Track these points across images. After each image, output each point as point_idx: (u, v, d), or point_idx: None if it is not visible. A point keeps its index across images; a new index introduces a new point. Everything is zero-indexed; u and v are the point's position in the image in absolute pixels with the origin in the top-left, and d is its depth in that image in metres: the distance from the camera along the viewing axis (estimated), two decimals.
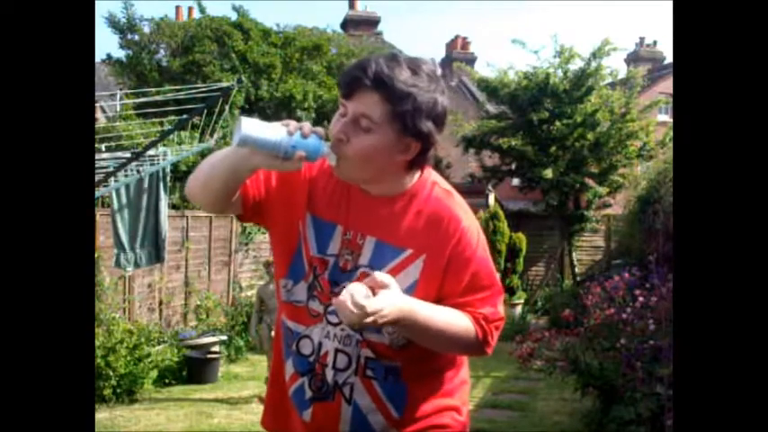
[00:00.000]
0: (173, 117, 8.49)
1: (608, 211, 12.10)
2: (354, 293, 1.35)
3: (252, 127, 1.37)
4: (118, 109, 11.04)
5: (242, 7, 12.73)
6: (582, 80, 11.13)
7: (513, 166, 12.06)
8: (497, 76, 11.75)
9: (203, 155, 5.75)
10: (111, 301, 6.42)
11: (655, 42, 25.58)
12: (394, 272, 1.47)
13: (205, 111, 5.51)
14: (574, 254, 11.85)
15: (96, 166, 5.33)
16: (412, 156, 1.47)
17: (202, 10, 12.81)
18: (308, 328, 1.55)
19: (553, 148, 11.09)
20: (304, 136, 1.39)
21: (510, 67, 11.81)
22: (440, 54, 24.55)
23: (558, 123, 10.86)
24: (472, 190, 11.63)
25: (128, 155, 5.74)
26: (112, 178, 5.85)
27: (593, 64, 11.21)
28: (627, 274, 4.95)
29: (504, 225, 10.08)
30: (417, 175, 1.53)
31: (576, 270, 11.72)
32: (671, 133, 10.74)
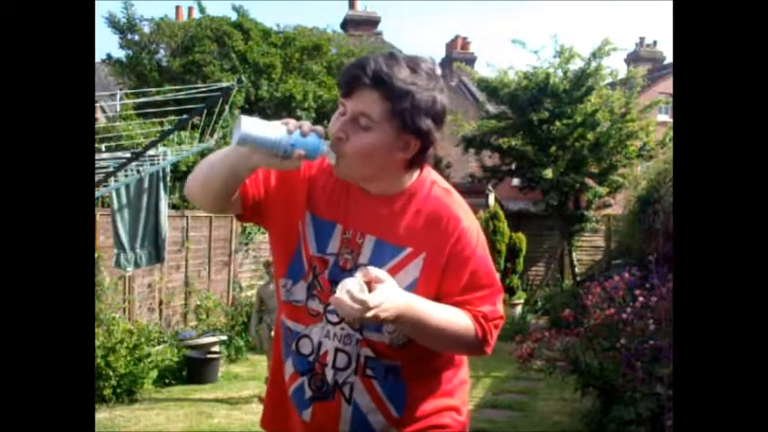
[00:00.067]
0: (173, 117, 8.49)
1: (608, 211, 12.10)
2: (351, 289, 1.35)
3: (251, 125, 1.37)
4: (118, 109, 11.04)
5: (242, 7, 12.74)
6: (582, 80, 11.14)
7: (513, 166, 12.07)
8: (497, 76, 11.76)
9: (203, 155, 5.74)
10: (111, 301, 6.42)
11: (655, 42, 25.59)
12: (394, 270, 1.47)
13: (205, 111, 5.51)
14: (574, 254, 11.85)
15: (96, 166, 5.33)
16: (411, 154, 1.47)
17: (202, 10, 12.82)
18: (307, 327, 1.55)
19: (553, 148, 11.09)
20: (303, 134, 1.39)
21: (510, 67, 11.84)
22: (440, 54, 24.58)
23: (558, 123, 10.87)
24: (472, 190, 11.63)
25: (128, 155, 5.74)
26: (112, 178, 5.85)
27: (593, 64, 11.22)
28: (627, 274, 4.95)
29: (504, 225, 10.08)
30: (417, 173, 1.54)
31: (576, 270, 11.73)
32: (671, 133, 10.74)
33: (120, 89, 12.56)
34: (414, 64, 1.43)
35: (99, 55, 12.87)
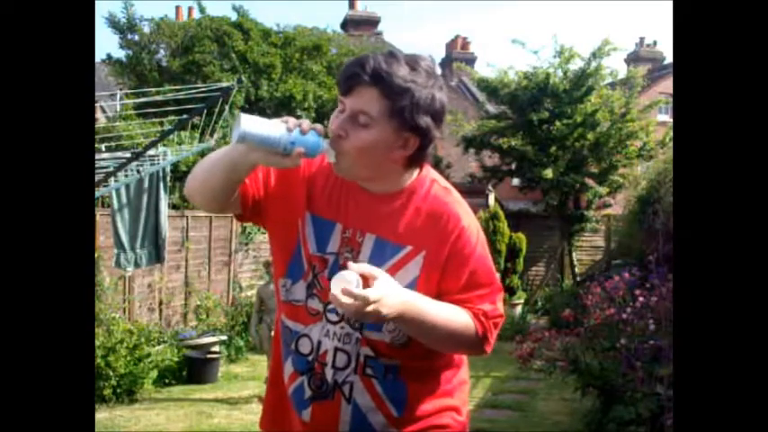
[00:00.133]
0: (173, 117, 8.48)
1: (608, 211, 12.10)
2: (349, 282, 1.33)
3: (251, 123, 1.37)
4: (118, 109, 11.03)
5: (242, 7, 12.75)
6: (582, 80, 11.14)
7: (513, 166, 12.06)
8: (497, 76, 11.76)
9: (203, 155, 5.74)
10: (111, 301, 6.42)
11: (655, 42, 25.60)
12: (394, 269, 1.47)
13: (205, 111, 5.50)
14: (574, 254, 11.85)
15: (96, 166, 5.33)
16: (410, 151, 1.46)
17: (202, 10, 12.82)
18: (306, 326, 1.55)
19: (553, 148, 11.09)
20: (303, 132, 1.39)
21: (510, 67, 11.84)
22: (440, 54, 24.58)
23: (558, 123, 10.87)
24: (472, 190, 11.64)
25: (128, 155, 5.73)
26: (112, 178, 5.84)
27: (593, 64, 11.22)
28: (627, 274, 4.95)
29: (504, 225, 10.08)
30: (416, 172, 1.53)
31: (576, 270, 11.72)
32: (671, 133, 10.74)
33: (120, 89, 12.56)
34: (413, 62, 1.43)
35: (99, 55, 12.90)
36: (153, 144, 5.93)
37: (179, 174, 7.89)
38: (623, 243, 10.05)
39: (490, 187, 12.20)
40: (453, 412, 1.60)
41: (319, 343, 1.53)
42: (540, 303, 10.79)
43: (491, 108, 12.96)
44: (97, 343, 5.48)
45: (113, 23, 12.26)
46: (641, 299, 4.47)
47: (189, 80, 11.08)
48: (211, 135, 6.52)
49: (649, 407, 3.94)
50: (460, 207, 1.54)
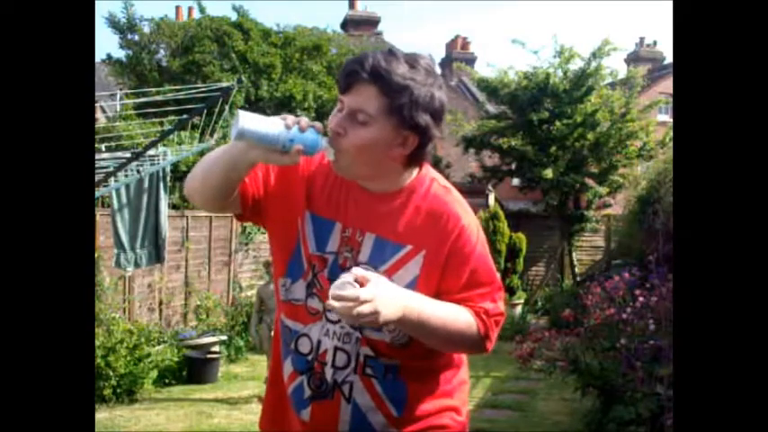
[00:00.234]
0: (173, 117, 8.48)
1: (608, 211, 12.11)
2: (337, 287, 1.33)
3: (250, 120, 1.37)
4: (118, 109, 11.04)
5: (242, 7, 12.74)
6: (582, 80, 11.14)
7: (513, 166, 12.07)
8: (497, 76, 11.76)
9: (203, 155, 5.73)
10: (111, 301, 6.42)
11: (655, 42, 25.60)
12: (394, 268, 1.47)
13: (205, 111, 5.50)
14: (574, 254, 11.85)
15: (96, 166, 5.33)
16: (410, 150, 1.46)
17: (202, 10, 12.82)
18: (306, 326, 1.55)
19: (553, 148, 11.09)
20: (301, 130, 1.39)
21: (510, 67, 11.84)
22: (440, 54, 24.59)
23: (558, 123, 10.87)
24: (472, 190, 11.64)
25: (128, 155, 5.73)
26: (112, 178, 5.84)
27: (593, 64, 11.22)
28: (627, 274, 4.95)
29: (504, 225, 10.08)
30: (416, 171, 1.53)
31: (576, 270, 11.72)
32: (671, 133, 10.74)
33: (120, 89, 12.56)
34: (412, 60, 1.43)
35: (99, 55, 12.90)
36: (153, 144, 5.93)
37: (179, 174, 7.89)
38: (623, 243, 10.06)
39: (490, 187, 12.21)
40: (453, 412, 1.60)
41: (319, 342, 1.53)
42: (540, 303, 10.79)
43: (491, 108, 12.97)
44: (97, 343, 5.48)
45: (113, 23, 12.25)
46: (641, 299, 4.47)
47: (189, 80, 11.08)
48: (211, 135, 6.52)
49: (649, 407, 3.94)
50: (460, 206, 1.54)
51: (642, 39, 25.39)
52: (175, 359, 6.53)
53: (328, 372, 1.52)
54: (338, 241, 1.52)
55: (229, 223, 8.51)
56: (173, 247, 7.45)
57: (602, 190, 11.20)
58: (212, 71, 11.60)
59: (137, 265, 6.17)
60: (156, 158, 6.10)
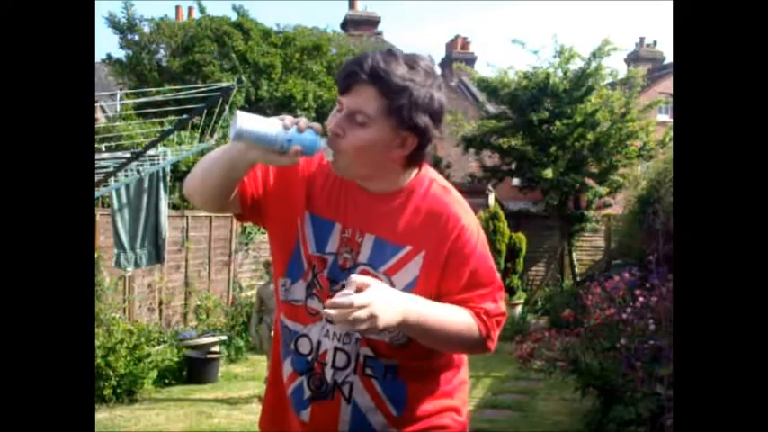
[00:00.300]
0: (173, 117, 8.48)
1: (608, 211, 12.11)
2: (337, 298, 1.31)
3: (248, 121, 1.37)
4: (118, 109, 11.04)
5: (242, 7, 12.75)
6: (582, 80, 11.14)
7: (513, 166, 12.07)
8: (497, 76, 11.77)
9: (203, 155, 5.74)
10: (111, 301, 6.42)
11: (655, 42, 25.61)
12: (394, 269, 1.47)
13: (205, 111, 5.50)
14: (574, 254, 11.85)
15: (96, 166, 5.33)
16: (409, 151, 1.46)
17: (202, 10, 12.82)
18: (306, 326, 1.55)
19: (553, 148, 11.09)
20: (300, 130, 1.39)
21: (510, 67, 11.84)
22: (440, 54, 24.60)
23: (558, 123, 10.87)
24: (472, 190, 11.64)
25: (128, 155, 5.73)
26: (112, 178, 5.84)
27: (593, 64, 11.23)
28: (627, 274, 4.95)
29: (504, 225, 10.08)
30: (415, 172, 1.53)
31: (576, 270, 11.73)
32: (671, 133, 10.74)
33: (120, 89, 12.56)
34: (411, 61, 1.43)
35: (99, 55, 12.90)
36: (153, 144, 5.93)
37: (179, 174, 7.89)
38: (623, 243, 10.05)
39: (490, 187, 12.20)
40: (453, 413, 1.60)
41: (319, 343, 1.53)
42: (540, 303, 10.79)
43: (491, 108, 12.97)
44: (97, 343, 5.48)
45: (113, 23, 12.26)
46: (641, 299, 4.47)
47: (189, 80, 11.08)
48: (211, 135, 6.51)
49: (649, 407, 3.94)
50: (460, 206, 1.53)
51: (642, 39, 25.41)
52: (175, 359, 6.53)
53: (328, 372, 1.52)
54: (338, 242, 1.51)
55: (229, 223, 8.51)
56: (173, 247, 7.45)
57: (602, 190, 11.21)
58: (212, 71, 11.60)
59: (137, 265, 6.17)
60: (156, 158, 6.10)
